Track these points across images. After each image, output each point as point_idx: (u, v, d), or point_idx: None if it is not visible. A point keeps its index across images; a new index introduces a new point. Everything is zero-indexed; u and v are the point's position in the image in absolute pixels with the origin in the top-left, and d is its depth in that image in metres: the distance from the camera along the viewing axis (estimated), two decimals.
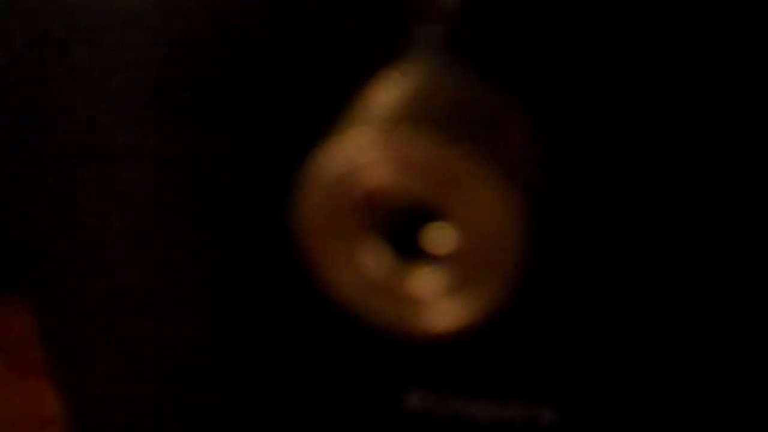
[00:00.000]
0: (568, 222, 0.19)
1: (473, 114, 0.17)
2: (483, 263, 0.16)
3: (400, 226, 0.17)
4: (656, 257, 0.19)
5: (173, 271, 0.21)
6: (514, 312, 0.19)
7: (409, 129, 0.15)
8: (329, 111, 0.18)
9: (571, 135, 0.18)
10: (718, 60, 0.18)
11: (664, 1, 0.17)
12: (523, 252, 0.16)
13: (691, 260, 0.19)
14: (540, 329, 0.20)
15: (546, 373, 0.20)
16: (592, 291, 0.19)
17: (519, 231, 0.16)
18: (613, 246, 0.19)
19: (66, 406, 0.23)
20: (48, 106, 0.20)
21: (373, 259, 0.17)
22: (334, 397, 0.22)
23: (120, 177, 0.20)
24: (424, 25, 0.18)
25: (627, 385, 0.20)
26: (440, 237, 0.17)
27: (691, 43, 0.18)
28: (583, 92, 0.18)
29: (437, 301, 0.17)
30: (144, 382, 0.23)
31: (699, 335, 0.19)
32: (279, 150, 0.20)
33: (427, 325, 0.17)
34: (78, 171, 0.20)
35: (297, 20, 0.19)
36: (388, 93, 0.17)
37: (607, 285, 0.19)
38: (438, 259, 0.17)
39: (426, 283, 0.17)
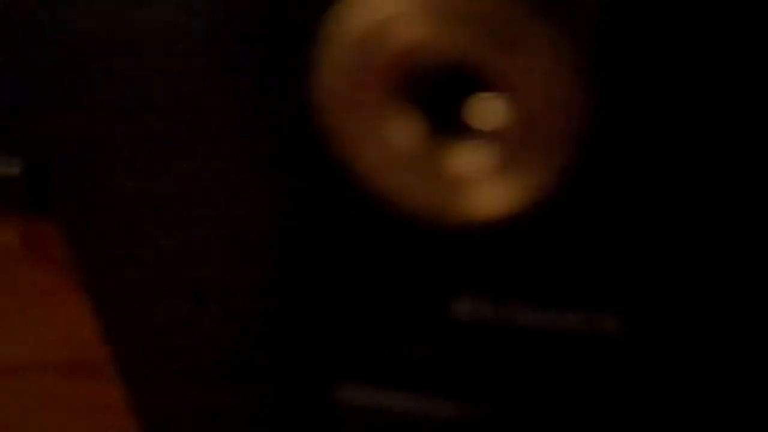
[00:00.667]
0: (628, 104, 0.16)
1: None
2: (534, 140, 0.14)
3: (439, 94, 0.14)
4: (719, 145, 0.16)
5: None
6: (568, 203, 0.16)
7: None
8: None
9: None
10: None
11: None
12: (582, 130, 0.14)
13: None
14: (597, 224, 0.17)
15: (607, 276, 0.18)
16: (654, 183, 0.17)
17: (579, 105, 0.13)
18: (679, 128, 0.16)
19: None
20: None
21: (405, 132, 0.14)
22: (374, 304, 0.19)
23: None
24: None
25: (693, 291, 0.18)
26: (486, 109, 0.14)
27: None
28: None
29: (482, 181, 0.14)
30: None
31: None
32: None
33: (467, 209, 0.15)
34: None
35: None
36: None
37: (671, 176, 0.17)
38: (482, 134, 0.14)
39: (467, 161, 0.14)
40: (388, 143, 0.15)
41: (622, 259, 0.17)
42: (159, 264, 0.20)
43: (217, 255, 0.19)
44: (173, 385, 0.21)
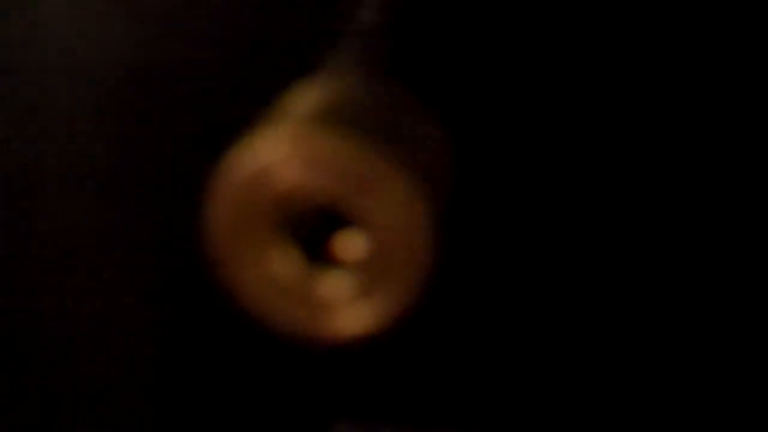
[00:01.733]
0: (477, 227, 0.19)
1: (386, 118, 0.17)
2: (392, 268, 0.16)
3: (311, 229, 0.17)
4: (565, 254, 0.19)
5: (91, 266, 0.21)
6: (425, 321, 0.19)
7: (321, 128, 0.15)
8: (243, 115, 0.18)
9: (481, 141, 0.19)
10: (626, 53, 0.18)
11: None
12: (433, 256, 0.16)
13: (598, 263, 0.19)
14: (454, 338, 0.20)
15: (470, 394, 0.20)
16: (503, 296, 0.19)
17: (429, 235, 0.16)
18: (523, 247, 0.19)
19: None
20: None
21: (282, 262, 0.17)
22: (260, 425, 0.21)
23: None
24: (342, 38, 0.18)
25: (552, 400, 0.20)
26: (351, 242, 0.17)
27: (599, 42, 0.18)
28: (493, 99, 0.18)
29: (346, 305, 0.17)
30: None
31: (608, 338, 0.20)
32: (191, 149, 0.19)
33: (335, 330, 0.17)
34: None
35: (218, 27, 0.19)
36: (300, 98, 0.17)
37: (518, 288, 0.19)
38: (348, 263, 0.17)
39: (335, 287, 0.17)
40: (267, 272, 0.17)
41: (477, 373, 0.19)
42: None
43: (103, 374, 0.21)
44: None
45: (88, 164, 0.20)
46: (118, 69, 0.20)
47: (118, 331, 0.21)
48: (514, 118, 0.18)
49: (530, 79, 0.18)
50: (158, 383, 0.21)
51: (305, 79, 0.17)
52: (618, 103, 0.18)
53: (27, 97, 0.20)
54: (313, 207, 0.16)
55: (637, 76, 0.18)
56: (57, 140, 0.19)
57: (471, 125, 0.18)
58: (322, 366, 0.20)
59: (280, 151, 0.16)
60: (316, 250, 0.17)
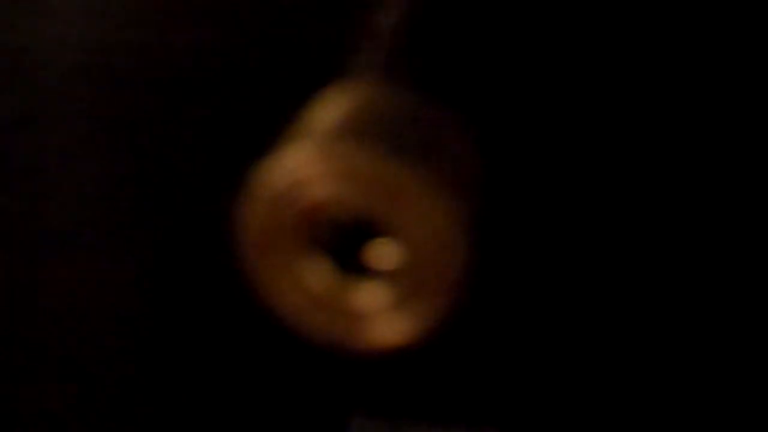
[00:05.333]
0: (509, 235, 0.19)
1: (414, 130, 0.16)
2: (426, 278, 0.16)
3: (343, 241, 0.17)
4: (596, 267, 0.19)
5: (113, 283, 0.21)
6: (458, 328, 0.19)
7: (352, 143, 0.15)
8: (271, 128, 0.17)
9: (509, 149, 0.18)
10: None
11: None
12: (467, 266, 0.16)
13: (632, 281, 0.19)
14: (484, 346, 0.20)
15: (490, 394, 0.20)
16: (535, 306, 0.19)
17: (462, 244, 0.16)
18: (554, 257, 0.19)
19: None
20: None
21: (315, 274, 0.17)
22: (277, 421, 0.21)
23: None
24: (363, 47, 0.18)
25: (573, 407, 0.20)
26: (383, 253, 0.17)
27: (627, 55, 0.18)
28: (519, 106, 0.18)
29: (380, 316, 0.17)
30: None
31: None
32: (221, 164, 0.19)
33: (369, 340, 0.17)
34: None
35: (240, 38, 0.19)
36: (328, 111, 0.17)
37: (549, 298, 0.19)
38: (381, 274, 0.17)
39: (369, 299, 0.17)
40: (300, 284, 0.17)
41: (502, 377, 0.19)
42: None
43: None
44: None
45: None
46: (140, 75, 0.20)
47: (126, 326, 0.21)
48: (540, 123, 0.18)
49: (559, 85, 0.18)
50: (172, 379, 0.21)
51: (330, 88, 0.17)
52: (654, 121, 0.18)
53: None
54: (344, 219, 0.16)
55: (674, 92, 0.18)
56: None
57: (497, 131, 0.18)
58: (339, 361, 0.20)
59: (312, 167, 0.15)
60: (348, 260, 0.17)
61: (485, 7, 0.18)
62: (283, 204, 0.16)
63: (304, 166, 0.16)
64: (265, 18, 0.19)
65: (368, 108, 0.16)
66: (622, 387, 0.20)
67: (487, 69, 0.18)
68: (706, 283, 0.19)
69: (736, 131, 0.18)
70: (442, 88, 0.17)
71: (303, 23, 0.19)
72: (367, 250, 0.17)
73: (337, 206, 0.16)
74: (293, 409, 0.21)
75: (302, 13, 0.19)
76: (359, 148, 0.15)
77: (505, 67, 0.18)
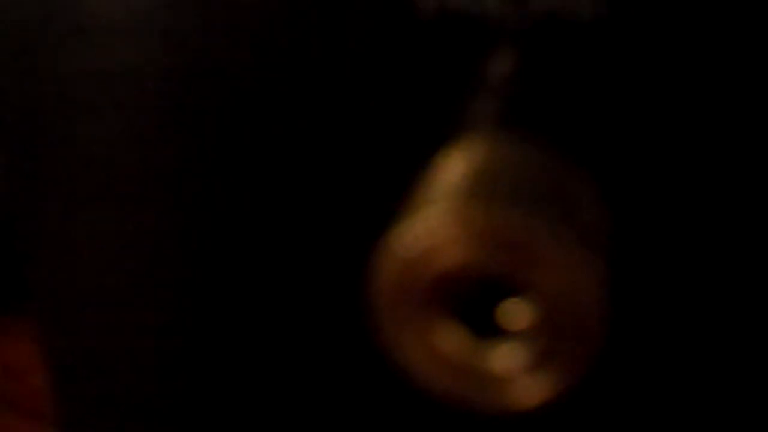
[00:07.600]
0: (641, 289, 0.18)
1: (541, 185, 0.16)
2: (564, 335, 0.16)
3: (475, 302, 0.17)
4: (729, 314, 0.19)
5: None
6: (595, 383, 0.18)
7: (482, 205, 0.15)
8: (394, 191, 0.17)
9: (637, 201, 0.18)
10: None
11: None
12: (605, 322, 0.16)
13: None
14: (622, 399, 0.19)
15: None
16: (672, 358, 0.19)
17: (600, 301, 0.16)
18: (689, 307, 0.19)
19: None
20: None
21: (449, 339, 0.17)
22: None
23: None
24: (478, 100, 0.18)
25: None
26: (516, 312, 0.16)
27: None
28: (645, 155, 0.18)
29: (519, 377, 0.16)
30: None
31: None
32: (349, 231, 0.19)
33: (509, 402, 0.17)
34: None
35: (353, 102, 0.19)
36: (451, 171, 0.17)
37: (686, 350, 0.19)
38: (516, 334, 0.16)
39: (505, 360, 0.17)
40: (434, 349, 0.17)
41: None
42: None
43: None
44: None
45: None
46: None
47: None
48: (665, 170, 0.18)
49: (681, 134, 0.18)
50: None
51: (449, 144, 0.17)
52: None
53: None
54: (477, 282, 0.16)
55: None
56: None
57: (624, 182, 0.18)
58: (475, 423, 0.19)
59: (443, 232, 0.15)
60: (480, 322, 0.17)
61: (600, 55, 0.18)
62: (415, 270, 0.16)
63: (435, 231, 0.15)
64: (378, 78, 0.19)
65: (493, 165, 0.16)
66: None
67: (608, 118, 0.18)
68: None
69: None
70: (564, 140, 0.17)
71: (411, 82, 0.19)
72: (499, 310, 0.17)
73: (471, 270, 0.16)
74: None
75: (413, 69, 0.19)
76: (493, 209, 0.15)
77: (627, 117, 0.18)
